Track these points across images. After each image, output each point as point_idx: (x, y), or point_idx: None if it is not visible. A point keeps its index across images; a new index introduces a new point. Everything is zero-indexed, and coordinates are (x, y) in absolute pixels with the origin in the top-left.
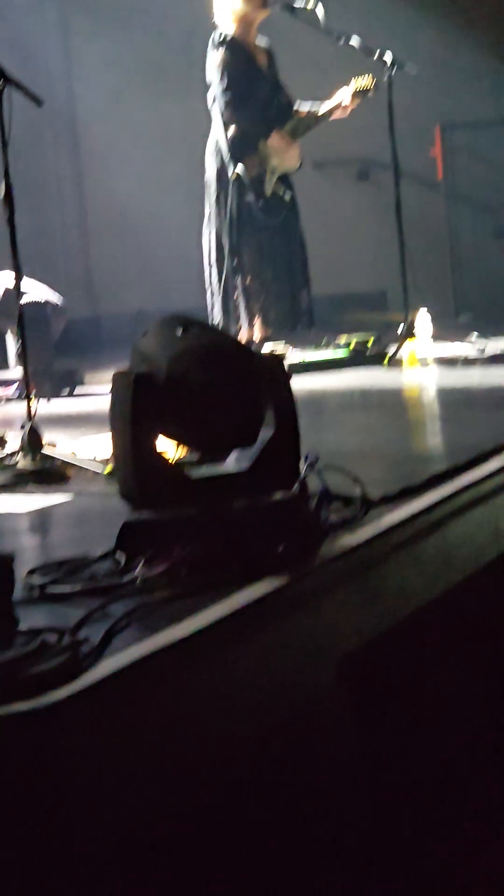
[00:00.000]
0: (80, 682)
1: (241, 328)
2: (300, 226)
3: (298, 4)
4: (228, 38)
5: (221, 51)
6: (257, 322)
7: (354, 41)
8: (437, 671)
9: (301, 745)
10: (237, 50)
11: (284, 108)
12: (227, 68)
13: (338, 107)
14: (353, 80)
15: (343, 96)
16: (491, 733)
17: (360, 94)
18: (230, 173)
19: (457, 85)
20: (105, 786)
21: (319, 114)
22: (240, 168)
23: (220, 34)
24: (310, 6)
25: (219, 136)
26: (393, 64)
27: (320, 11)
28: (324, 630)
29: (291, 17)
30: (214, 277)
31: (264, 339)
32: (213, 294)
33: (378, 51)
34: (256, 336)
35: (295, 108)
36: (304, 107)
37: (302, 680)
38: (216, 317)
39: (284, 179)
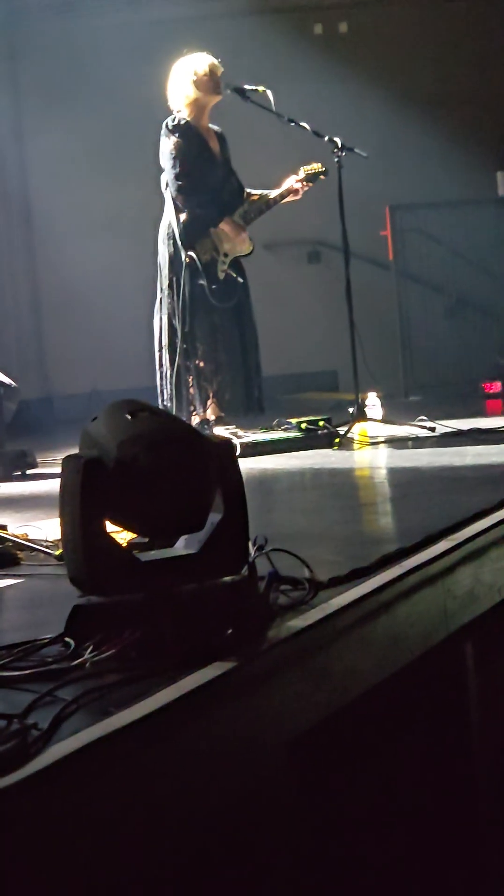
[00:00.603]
0: (29, 767)
1: (193, 411)
2: (252, 310)
3: (249, 87)
4: (181, 124)
5: (174, 136)
6: (210, 405)
7: (304, 124)
8: (386, 752)
9: (251, 827)
10: (190, 135)
11: (237, 193)
12: (180, 154)
13: (289, 190)
14: (301, 169)
15: (293, 182)
16: (439, 813)
17: (311, 177)
18: (183, 258)
19: (406, 167)
20: (55, 872)
21: (271, 197)
22: (192, 253)
23: (173, 119)
24: (260, 89)
25: (171, 220)
26: (342, 147)
27: (270, 94)
28: (273, 713)
29: (242, 100)
30: (166, 360)
31: (216, 423)
32: (164, 377)
33: (327, 136)
34: (209, 419)
35: (247, 192)
36: (255, 191)
37: (252, 763)
38: (167, 400)
39: (236, 263)
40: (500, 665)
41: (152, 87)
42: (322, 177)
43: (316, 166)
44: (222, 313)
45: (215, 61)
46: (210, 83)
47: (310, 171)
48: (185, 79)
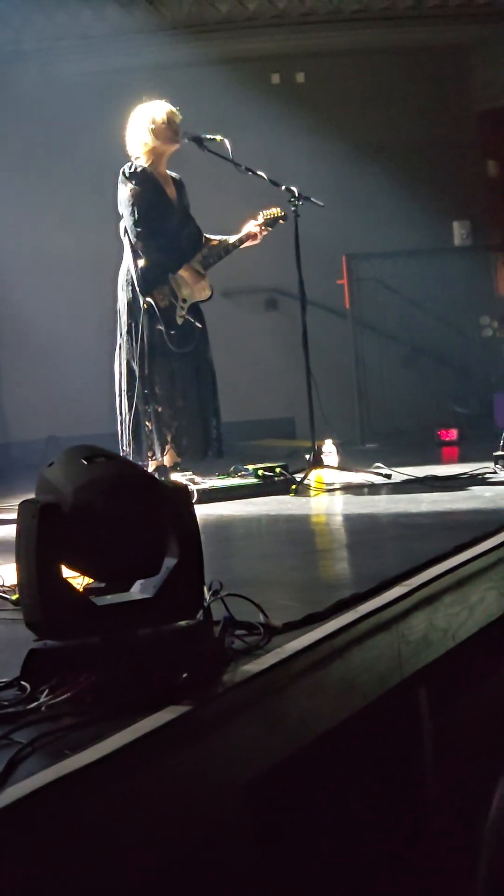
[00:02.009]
0: None
1: (151, 456)
2: (210, 355)
3: (206, 136)
4: (138, 171)
5: (131, 184)
6: (168, 450)
7: (261, 173)
8: (341, 796)
9: (206, 869)
10: (147, 182)
11: (195, 238)
12: (137, 201)
13: (249, 235)
14: (260, 214)
15: (252, 227)
16: (394, 856)
17: (270, 222)
18: (141, 303)
19: (362, 216)
20: None
21: (231, 242)
22: (150, 298)
23: (130, 166)
24: (218, 138)
25: (130, 266)
26: (299, 196)
27: (228, 143)
28: (228, 756)
29: (200, 149)
30: (125, 405)
31: (173, 469)
32: (123, 422)
33: (284, 185)
34: (166, 464)
35: (206, 237)
36: (215, 237)
37: (207, 806)
38: (126, 445)
39: (195, 309)
40: (454, 710)
41: (110, 134)
42: (281, 221)
43: (275, 211)
44: (181, 358)
45: (174, 109)
46: (168, 132)
47: (269, 216)
48: (143, 126)
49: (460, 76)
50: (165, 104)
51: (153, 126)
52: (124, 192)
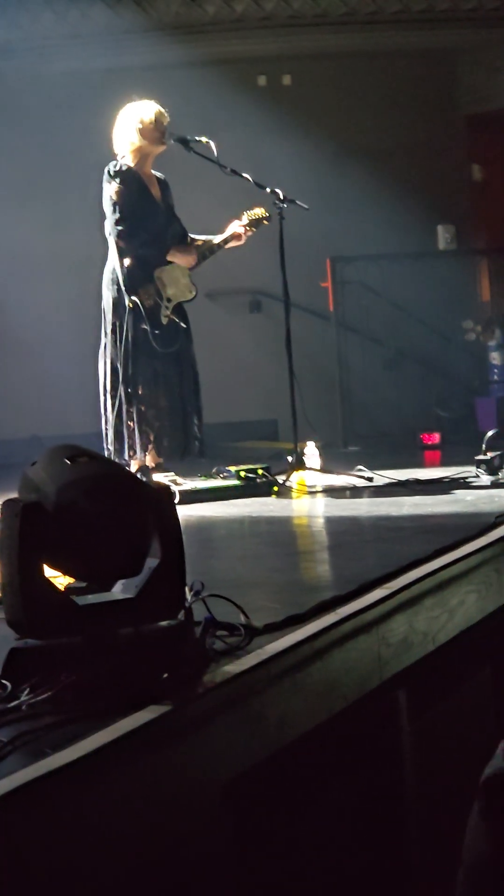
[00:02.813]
0: None
1: (133, 456)
2: (194, 355)
3: (192, 138)
4: (123, 170)
5: (115, 182)
6: (150, 450)
7: (247, 175)
8: (319, 797)
9: (183, 869)
10: (131, 181)
11: (180, 238)
12: (121, 200)
13: (233, 236)
14: (245, 214)
15: (236, 228)
16: (370, 858)
17: (254, 223)
18: (126, 302)
19: (347, 219)
20: None
21: (215, 243)
22: (136, 298)
23: (115, 165)
24: (204, 140)
25: (115, 265)
26: (284, 198)
27: (213, 145)
28: (208, 757)
29: (186, 150)
30: (109, 404)
31: (155, 469)
32: (107, 421)
33: (269, 188)
34: (149, 464)
35: (190, 237)
36: (199, 237)
37: (185, 806)
38: (110, 444)
39: (179, 309)
40: (433, 712)
41: (97, 134)
42: (265, 222)
43: (259, 212)
44: (165, 358)
45: (162, 110)
46: (155, 133)
47: (253, 217)
48: (130, 125)
49: (446, 80)
50: (154, 105)
51: (141, 126)
52: (108, 190)
